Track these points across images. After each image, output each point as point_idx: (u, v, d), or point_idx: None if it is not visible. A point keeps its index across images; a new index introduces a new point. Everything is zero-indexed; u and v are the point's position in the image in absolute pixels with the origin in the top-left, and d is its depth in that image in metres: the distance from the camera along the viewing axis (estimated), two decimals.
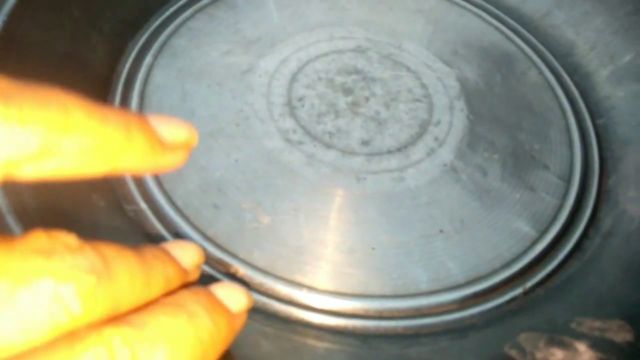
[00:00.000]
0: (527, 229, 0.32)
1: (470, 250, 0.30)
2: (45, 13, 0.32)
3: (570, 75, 0.42)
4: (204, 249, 0.25)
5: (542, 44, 0.43)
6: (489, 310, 0.28)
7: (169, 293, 0.16)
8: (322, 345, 0.26)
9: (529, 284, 0.29)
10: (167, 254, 0.17)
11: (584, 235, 0.32)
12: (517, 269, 0.30)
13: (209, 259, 0.28)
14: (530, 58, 0.43)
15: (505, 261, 0.30)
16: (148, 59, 0.37)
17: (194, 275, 0.19)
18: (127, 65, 0.37)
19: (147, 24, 0.39)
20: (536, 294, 0.29)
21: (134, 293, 0.14)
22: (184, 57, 0.38)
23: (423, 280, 0.29)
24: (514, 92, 0.40)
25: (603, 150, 0.37)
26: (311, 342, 0.26)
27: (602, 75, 0.40)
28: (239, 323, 0.18)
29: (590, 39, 0.42)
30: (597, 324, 0.24)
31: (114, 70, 0.36)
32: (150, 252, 0.16)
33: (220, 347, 0.16)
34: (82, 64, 0.34)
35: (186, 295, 0.16)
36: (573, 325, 0.24)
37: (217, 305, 0.17)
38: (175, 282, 0.17)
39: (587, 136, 0.38)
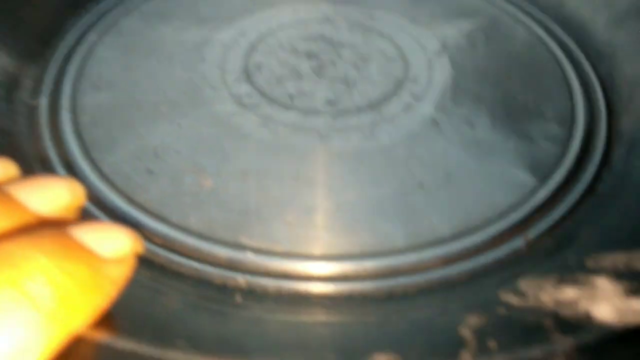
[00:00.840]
0: (525, 177, 0.26)
1: (457, 203, 0.25)
2: None
3: (563, 27, 0.37)
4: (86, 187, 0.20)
5: (529, 0, 0.39)
6: (483, 266, 0.22)
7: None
8: (273, 317, 0.20)
9: (532, 233, 0.23)
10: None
11: (597, 178, 0.26)
12: (516, 218, 0.24)
13: (133, 227, 0.23)
14: (516, 17, 0.39)
15: (501, 210, 0.24)
16: (92, 36, 0.34)
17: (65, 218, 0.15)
18: (67, 42, 0.33)
19: (94, 4, 0.36)
20: (542, 243, 0.23)
21: None
22: (133, 35, 0.35)
23: (399, 236, 0.23)
24: (501, 49, 0.36)
25: (610, 93, 0.32)
26: (255, 311, 0.20)
27: (599, 22, 0.36)
28: (117, 270, 0.14)
29: None
30: (621, 257, 0.18)
31: (50, 45, 0.33)
32: None
33: (85, 300, 0.13)
34: (8, 38, 0.31)
35: (20, 240, 0.13)
36: (590, 263, 0.18)
37: (72, 249, 0.13)
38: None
39: (590, 83, 0.33)
